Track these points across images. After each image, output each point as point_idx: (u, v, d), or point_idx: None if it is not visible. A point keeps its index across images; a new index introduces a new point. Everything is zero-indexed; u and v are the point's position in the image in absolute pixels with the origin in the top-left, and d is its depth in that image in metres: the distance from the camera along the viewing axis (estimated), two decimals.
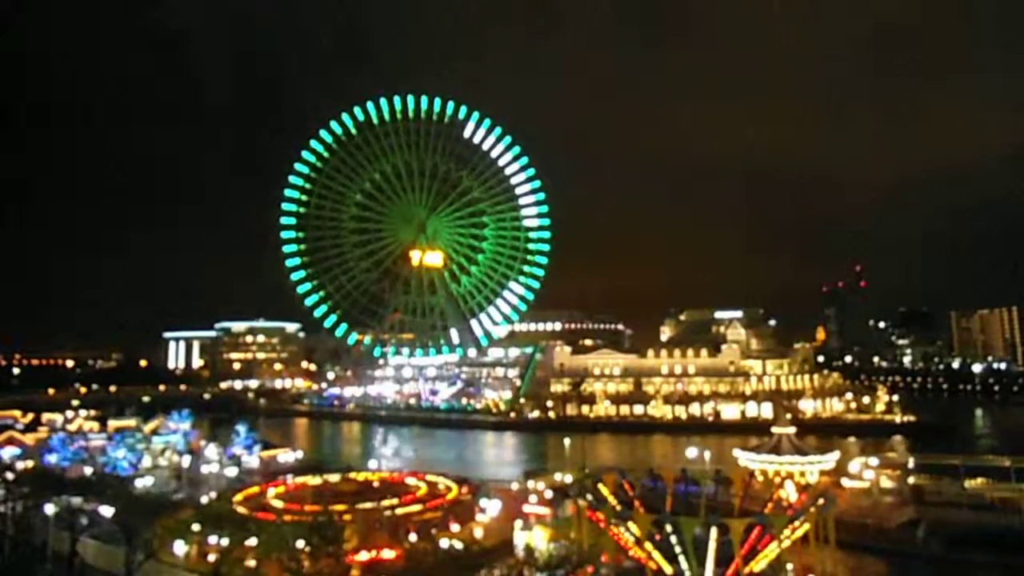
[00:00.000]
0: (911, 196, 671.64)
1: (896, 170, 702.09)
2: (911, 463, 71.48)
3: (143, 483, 70.92)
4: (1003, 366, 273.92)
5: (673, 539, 39.60)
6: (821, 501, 44.36)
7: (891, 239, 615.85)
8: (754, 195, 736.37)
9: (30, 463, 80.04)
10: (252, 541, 41.97)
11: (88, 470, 76.45)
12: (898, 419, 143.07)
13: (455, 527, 51.53)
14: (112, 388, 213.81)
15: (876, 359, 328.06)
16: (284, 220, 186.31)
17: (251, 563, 40.73)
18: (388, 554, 45.38)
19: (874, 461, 72.16)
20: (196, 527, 45.66)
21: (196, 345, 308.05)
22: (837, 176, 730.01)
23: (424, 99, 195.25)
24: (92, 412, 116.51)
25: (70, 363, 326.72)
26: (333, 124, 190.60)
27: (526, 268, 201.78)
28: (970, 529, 55.85)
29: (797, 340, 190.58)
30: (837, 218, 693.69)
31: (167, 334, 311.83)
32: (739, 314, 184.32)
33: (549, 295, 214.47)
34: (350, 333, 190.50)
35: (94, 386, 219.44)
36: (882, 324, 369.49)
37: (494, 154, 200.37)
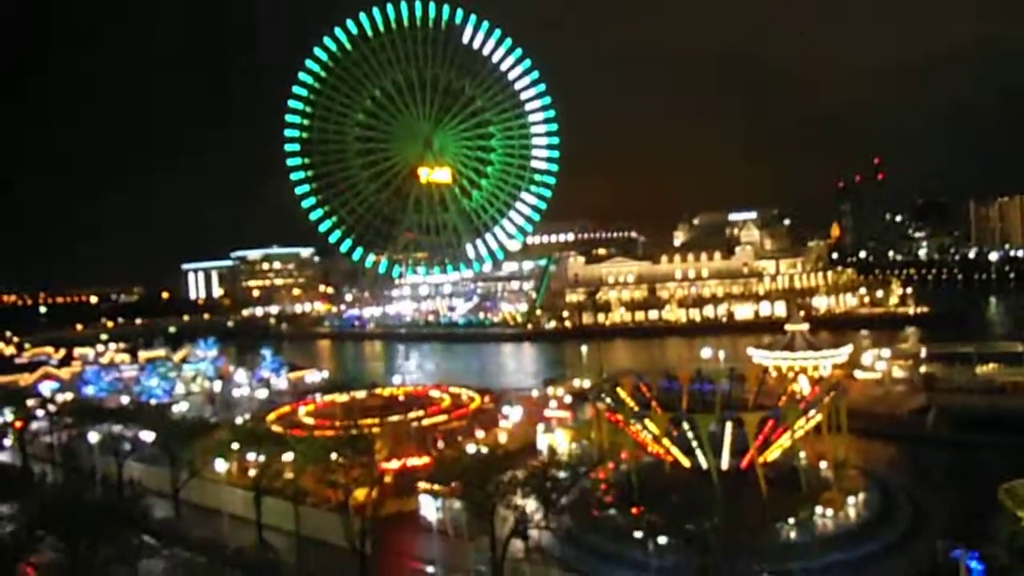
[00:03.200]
0: (928, 80, 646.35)
1: (920, 49, 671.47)
2: (923, 353, 72.50)
3: (179, 408, 73.83)
4: (1021, 253, 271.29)
5: (690, 435, 41.15)
6: (833, 392, 45.52)
7: (907, 129, 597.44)
8: (764, 91, 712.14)
9: (69, 395, 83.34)
10: (288, 456, 44.04)
11: (125, 399, 79.62)
12: (911, 311, 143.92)
13: (480, 434, 53.64)
14: (138, 320, 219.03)
15: (891, 253, 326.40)
16: (288, 147, 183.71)
17: (289, 475, 42.87)
18: (417, 461, 47.66)
19: (887, 352, 73.15)
20: (235, 446, 47.88)
21: (215, 275, 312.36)
22: (847, 66, 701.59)
23: (418, 5, 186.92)
24: (122, 344, 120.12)
25: (94, 299, 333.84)
26: (327, 40, 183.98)
27: (536, 178, 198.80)
28: (979, 412, 57.28)
29: (812, 238, 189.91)
30: (850, 112, 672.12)
31: (185, 265, 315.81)
32: (753, 215, 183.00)
33: (560, 205, 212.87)
34: (365, 256, 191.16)
35: (120, 320, 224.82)
36: (899, 218, 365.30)
37: (495, 59, 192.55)
